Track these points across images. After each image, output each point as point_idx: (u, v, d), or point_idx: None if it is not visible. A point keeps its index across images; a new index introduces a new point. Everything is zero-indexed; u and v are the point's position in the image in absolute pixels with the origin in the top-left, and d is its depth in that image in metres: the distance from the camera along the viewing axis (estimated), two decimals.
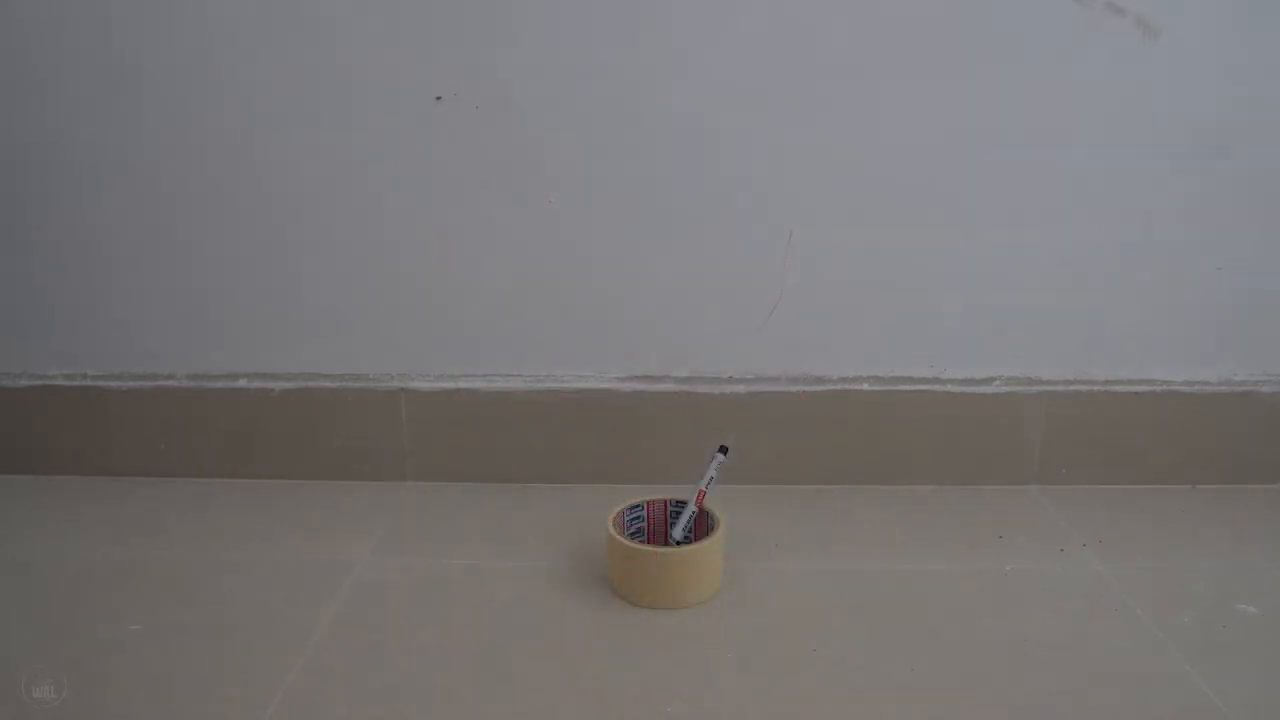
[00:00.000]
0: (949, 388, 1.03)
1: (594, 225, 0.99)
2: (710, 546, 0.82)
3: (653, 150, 0.96)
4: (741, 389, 1.03)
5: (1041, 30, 0.92)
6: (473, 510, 1.00)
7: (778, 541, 0.93)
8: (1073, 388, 1.03)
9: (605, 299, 1.02)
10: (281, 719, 0.68)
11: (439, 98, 0.95)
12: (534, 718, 0.68)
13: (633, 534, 0.88)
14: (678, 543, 0.86)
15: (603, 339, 1.03)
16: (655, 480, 1.04)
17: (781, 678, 0.73)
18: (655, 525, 0.90)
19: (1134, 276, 1.00)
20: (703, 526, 0.86)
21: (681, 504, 0.88)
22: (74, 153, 0.98)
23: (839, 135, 0.95)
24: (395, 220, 0.99)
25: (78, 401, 1.05)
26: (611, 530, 0.83)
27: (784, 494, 1.03)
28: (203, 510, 1.00)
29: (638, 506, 0.88)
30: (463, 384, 1.04)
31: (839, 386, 1.03)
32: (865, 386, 1.03)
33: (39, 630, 0.79)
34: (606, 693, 0.71)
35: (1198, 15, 0.91)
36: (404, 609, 0.82)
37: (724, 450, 0.89)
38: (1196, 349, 1.02)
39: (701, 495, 0.86)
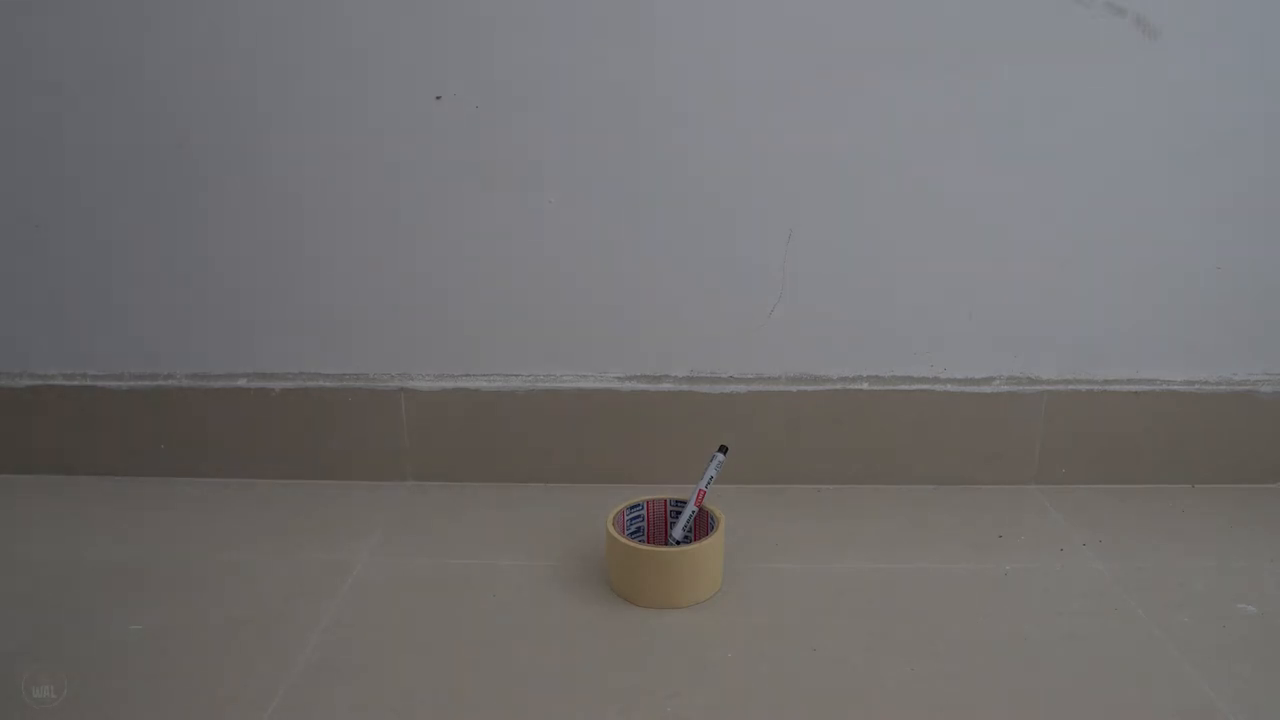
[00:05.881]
0: (949, 387, 1.03)
1: (593, 225, 0.99)
2: (710, 546, 0.82)
3: (652, 149, 0.96)
4: (741, 389, 1.03)
5: (1041, 29, 0.92)
6: (473, 510, 1.00)
7: (778, 541, 0.93)
8: (1072, 388, 1.03)
9: (605, 298, 1.02)
10: (281, 719, 0.68)
11: (439, 97, 0.95)
12: (534, 717, 0.68)
13: (633, 534, 0.89)
14: (678, 542, 0.86)
15: (603, 339, 1.03)
16: (655, 480, 1.04)
17: (781, 678, 0.73)
18: (655, 525, 0.90)
19: (1133, 276, 1.00)
20: (703, 526, 0.86)
21: (681, 504, 0.88)
22: (75, 153, 0.98)
23: (839, 133, 0.95)
24: (395, 220, 0.99)
25: (78, 401, 1.05)
26: (611, 530, 0.83)
27: (784, 494, 1.04)
28: (203, 510, 1.00)
29: (638, 506, 0.88)
30: (463, 384, 1.04)
31: (839, 386, 1.03)
32: (865, 386, 1.03)
33: (39, 630, 0.79)
34: (606, 692, 0.71)
35: (1198, 14, 0.91)
36: (404, 609, 0.82)
37: (724, 450, 0.89)
38: (1196, 349, 1.02)
39: (701, 495, 0.86)
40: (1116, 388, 1.03)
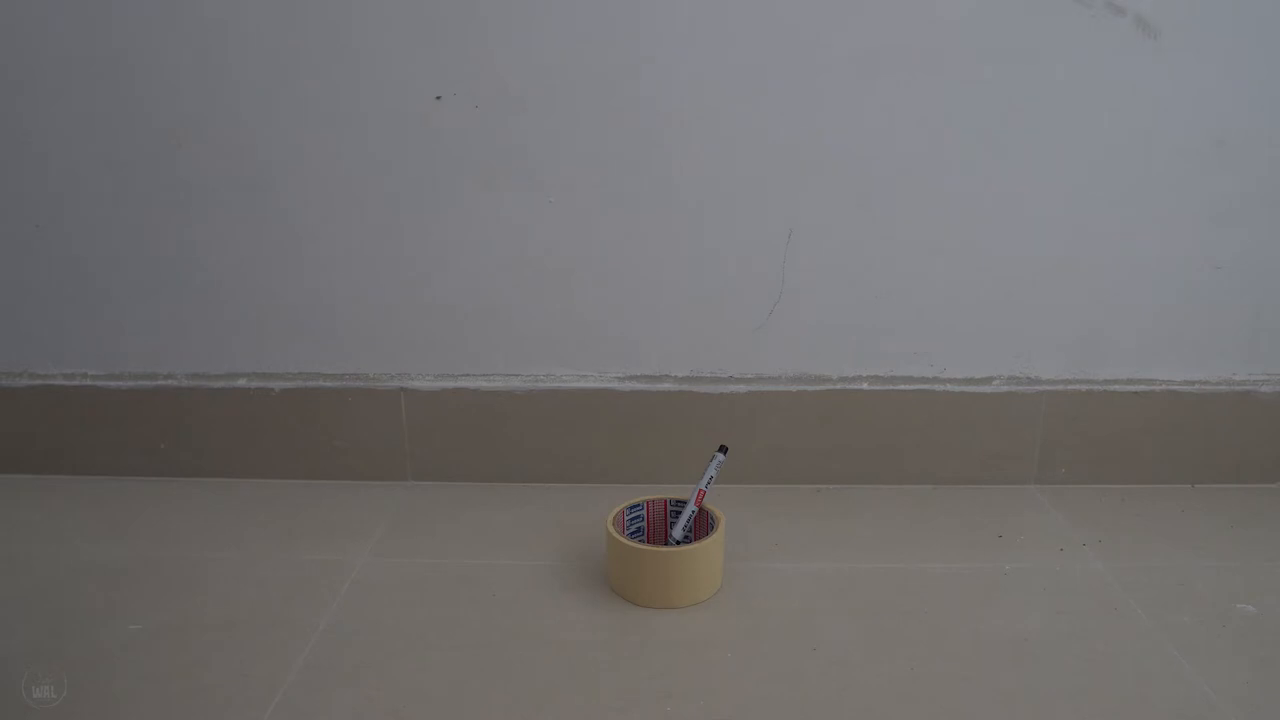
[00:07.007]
0: (949, 387, 1.03)
1: (594, 224, 0.99)
2: (710, 546, 0.82)
3: (652, 149, 0.96)
4: (741, 389, 1.03)
5: (1041, 29, 0.92)
6: (473, 510, 1.00)
7: (777, 541, 0.93)
8: (1073, 388, 1.03)
9: (605, 298, 1.02)
10: (281, 719, 0.68)
11: (439, 97, 0.95)
12: (533, 717, 0.68)
13: (633, 533, 0.89)
14: (678, 542, 0.86)
15: (603, 339, 1.03)
16: (655, 480, 1.04)
17: (781, 678, 0.73)
18: (655, 525, 0.90)
19: (1134, 276, 1.00)
20: (702, 526, 0.86)
21: (681, 504, 0.88)
22: (75, 153, 0.98)
23: (839, 133, 0.95)
24: (395, 220, 0.99)
25: (78, 401, 1.05)
26: (611, 530, 0.83)
27: (784, 494, 1.04)
28: (203, 510, 1.00)
29: (638, 506, 0.88)
30: (463, 384, 1.04)
31: (839, 386, 1.03)
32: (865, 386, 1.03)
33: (39, 630, 0.79)
34: (605, 692, 0.71)
35: (1199, 15, 0.91)
36: (404, 609, 0.82)
37: (724, 450, 0.89)
38: (1196, 349, 1.02)
39: (701, 495, 0.86)
40: (1116, 388, 1.03)
